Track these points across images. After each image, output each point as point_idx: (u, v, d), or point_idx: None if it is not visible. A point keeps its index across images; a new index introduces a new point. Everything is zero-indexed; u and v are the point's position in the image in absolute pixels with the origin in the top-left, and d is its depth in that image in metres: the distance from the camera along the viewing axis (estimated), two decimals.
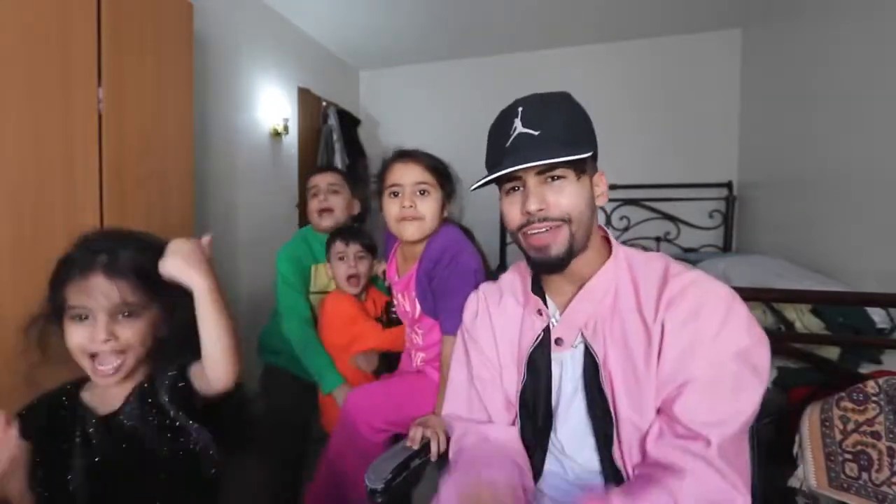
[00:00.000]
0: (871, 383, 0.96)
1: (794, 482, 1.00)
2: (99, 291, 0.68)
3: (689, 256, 2.53)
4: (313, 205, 1.50)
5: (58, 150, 1.18)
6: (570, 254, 0.69)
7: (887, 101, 1.56)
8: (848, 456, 0.94)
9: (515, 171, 0.67)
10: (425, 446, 0.94)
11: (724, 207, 2.80)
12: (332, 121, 2.89)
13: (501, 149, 0.71)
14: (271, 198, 2.54)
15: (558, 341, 0.74)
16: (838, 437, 0.96)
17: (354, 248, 1.40)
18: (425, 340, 1.15)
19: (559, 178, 0.69)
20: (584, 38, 2.95)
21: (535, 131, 0.68)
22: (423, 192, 1.04)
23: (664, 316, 0.64)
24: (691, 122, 2.87)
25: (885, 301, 1.25)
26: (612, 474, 0.68)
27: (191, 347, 0.72)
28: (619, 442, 0.67)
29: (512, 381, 0.80)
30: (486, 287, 0.90)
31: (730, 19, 2.66)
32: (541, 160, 0.65)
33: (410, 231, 1.05)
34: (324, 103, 2.93)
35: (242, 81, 2.35)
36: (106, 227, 0.74)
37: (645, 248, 2.77)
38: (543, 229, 0.69)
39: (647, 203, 2.92)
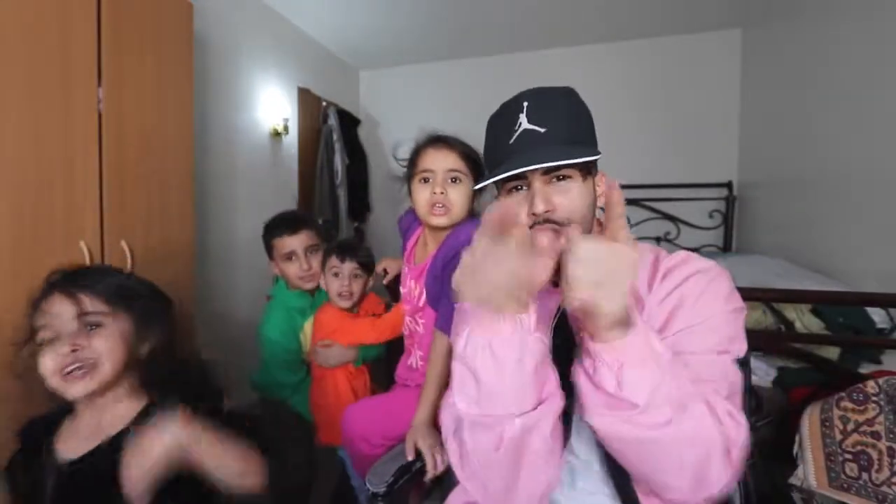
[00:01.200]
0: (871, 383, 0.96)
1: (794, 481, 1.00)
2: (58, 307, 0.68)
3: None
4: (292, 269, 1.40)
5: (58, 150, 1.18)
6: None
7: (887, 101, 1.56)
8: (848, 456, 0.94)
9: (524, 171, 0.63)
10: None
11: (724, 207, 2.80)
12: (332, 121, 2.89)
13: (505, 146, 0.67)
14: (271, 198, 2.54)
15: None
16: (838, 437, 0.96)
17: (350, 266, 1.33)
18: (426, 330, 1.11)
19: (565, 178, 0.66)
20: (584, 38, 2.95)
21: (542, 128, 0.64)
22: (454, 180, 1.02)
23: (655, 290, 0.65)
24: (691, 122, 2.87)
25: (885, 301, 1.25)
26: (614, 470, 0.64)
27: (178, 373, 0.73)
28: None
29: None
30: None
31: (730, 19, 2.66)
32: (551, 160, 0.62)
33: (439, 220, 1.03)
34: (324, 103, 2.93)
35: (242, 81, 2.35)
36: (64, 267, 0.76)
37: None
38: (547, 233, 0.65)
39: (647, 203, 2.92)
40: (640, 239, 3.13)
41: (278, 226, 1.43)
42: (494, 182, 0.67)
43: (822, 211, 1.93)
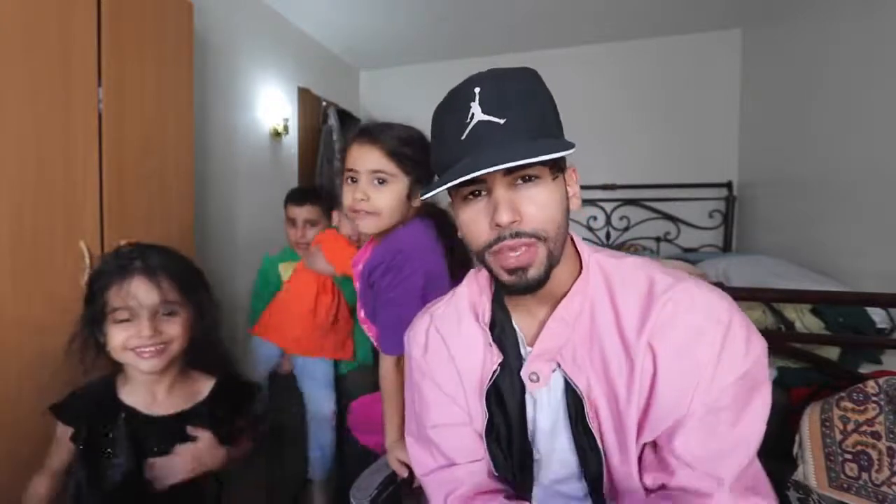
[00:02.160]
0: (871, 383, 0.96)
1: (794, 480, 1.00)
2: (140, 292, 0.77)
3: (689, 256, 2.53)
4: (291, 234, 1.63)
5: (58, 150, 1.18)
6: (549, 272, 0.58)
7: (887, 101, 1.56)
8: (848, 456, 0.94)
9: (483, 174, 0.52)
10: None
11: (724, 207, 2.80)
12: (332, 121, 2.89)
13: (456, 142, 0.56)
14: (271, 198, 2.54)
15: (533, 378, 0.63)
16: (838, 437, 0.96)
17: (303, 213, 1.35)
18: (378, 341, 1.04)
19: (533, 178, 0.56)
20: (584, 38, 2.94)
21: (500, 119, 0.54)
22: (381, 182, 0.89)
23: (652, 340, 0.56)
24: (691, 122, 2.87)
25: (885, 301, 1.25)
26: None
27: (216, 351, 0.90)
28: (610, 478, 0.60)
29: (479, 416, 0.67)
30: (438, 312, 0.73)
31: (730, 19, 2.66)
32: (516, 158, 0.50)
33: (365, 225, 0.92)
34: (324, 103, 2.93)
35: (242, 81, 2.35)
36: (135, 242, 0.87)
37: (644, 248, 2.81)
38: (517, 251, 0.56)
39: (647, 203, 2.91)
40: (640, 239, 3.09)
41: (293, 195, 1.68)
42: (447, 189, 0.56)
43: (822, 211, 1.93)
